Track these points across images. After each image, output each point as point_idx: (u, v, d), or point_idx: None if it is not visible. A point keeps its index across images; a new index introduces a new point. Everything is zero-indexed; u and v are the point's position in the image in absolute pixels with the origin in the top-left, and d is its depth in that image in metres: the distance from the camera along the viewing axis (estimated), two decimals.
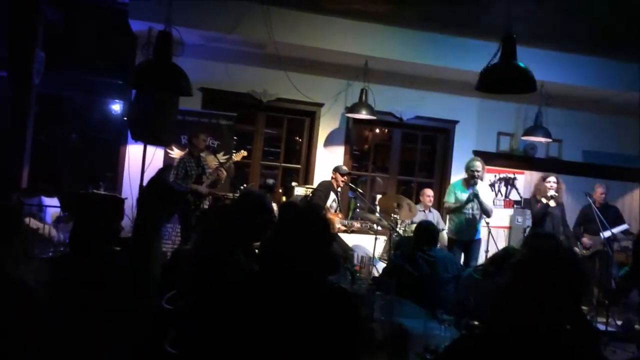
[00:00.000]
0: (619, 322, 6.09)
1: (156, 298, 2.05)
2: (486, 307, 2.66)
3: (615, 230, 6.49)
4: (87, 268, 2.18)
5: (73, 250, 2.40)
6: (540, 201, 6.51)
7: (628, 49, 6.69)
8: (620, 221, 6.74)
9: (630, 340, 5.45)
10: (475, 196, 6.12)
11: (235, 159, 6.57)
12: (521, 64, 3.70)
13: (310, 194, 6.68)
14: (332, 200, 6.58)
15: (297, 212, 2.10)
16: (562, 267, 1.67)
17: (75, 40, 8.12)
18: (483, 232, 6.50)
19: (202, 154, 6.43)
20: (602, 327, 5.64)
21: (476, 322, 2.53)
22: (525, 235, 6.87)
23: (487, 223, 6.53)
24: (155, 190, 1.81)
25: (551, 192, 6.41)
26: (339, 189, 6.74)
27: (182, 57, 5.40)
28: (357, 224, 6.78)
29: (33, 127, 6.29)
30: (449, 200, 6.35)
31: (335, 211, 6.65)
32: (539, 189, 6.63)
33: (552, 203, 6.46)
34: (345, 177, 6.65)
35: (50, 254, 4.39)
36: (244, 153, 6.68)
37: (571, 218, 6.95)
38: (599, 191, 6.85)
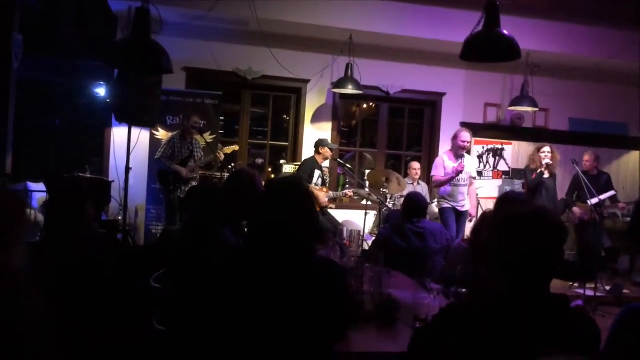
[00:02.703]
0: (608, 287, 6.18)
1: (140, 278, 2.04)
2: (473, 274, 2.67)
3: (603, 197, 6.52)
4: (63, 251, 2.16)
5: (48, 232, 2.38)
6: (535, 171, 6.57)
7: (614, 16, 6.66)
8: (610, 188, 6.76)
9: (619, 305, 5.53)
10: (458, 172, 6.11)
11: (227, 152, 6.47)
12: (505, 32, 3.67)
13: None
14: (317, 177, 6.56)
15: (279, 186, 2.09)
16: (537, 228, 1.68)
17: (56, 23, 7.98)
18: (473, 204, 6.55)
19: (192, 133, 6.37)
20: (590, 293, 5.73)
21: (464, 290, 2.55)
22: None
23: (477, 194, 6.64)
24: None
25: (546, 161, 6.48)
26: (326, 164, 6.72)
27: (164, 37, 5.35)
28: (349, 192, 6.85)
29: (16, 113, 6.20)
30: (439, 174, 6.29)
31: (322, 187, 6.64)
32: (534, 159, 6.68)
33: (546, 173, 6.53)
34: (333, 152, 6.64)
35: (38, 238, 4.37)
36: (235, 148, 6.61)
37: (559, 187, 6.99)
38: (585, 158, 6.87)
